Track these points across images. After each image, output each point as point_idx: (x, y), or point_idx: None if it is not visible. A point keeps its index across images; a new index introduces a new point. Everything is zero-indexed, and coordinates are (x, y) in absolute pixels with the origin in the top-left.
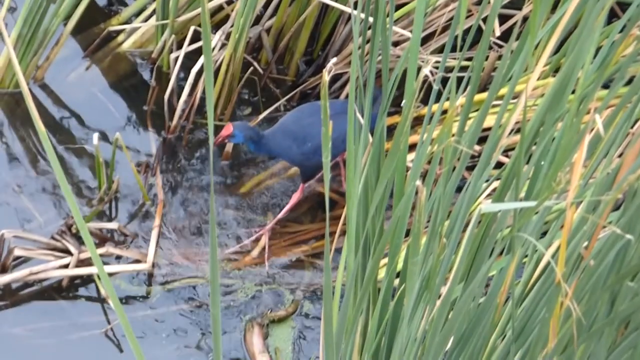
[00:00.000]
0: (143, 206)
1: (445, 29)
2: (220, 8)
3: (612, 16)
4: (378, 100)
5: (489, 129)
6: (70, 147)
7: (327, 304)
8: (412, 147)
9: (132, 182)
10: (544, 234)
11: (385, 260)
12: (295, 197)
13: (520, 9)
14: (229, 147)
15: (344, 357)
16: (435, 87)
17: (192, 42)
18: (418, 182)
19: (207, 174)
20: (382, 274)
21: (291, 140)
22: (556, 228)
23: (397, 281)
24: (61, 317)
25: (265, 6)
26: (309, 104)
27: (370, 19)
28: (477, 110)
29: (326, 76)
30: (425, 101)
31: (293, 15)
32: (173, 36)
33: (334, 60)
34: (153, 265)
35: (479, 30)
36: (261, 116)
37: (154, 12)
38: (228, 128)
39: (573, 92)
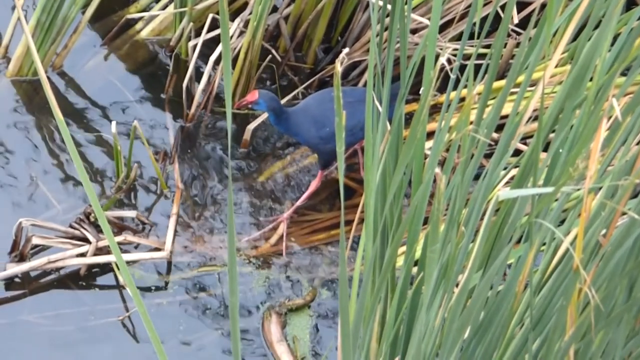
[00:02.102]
0: (161, 194)
1: (463, 16)
2: None
3: (631, 3)
4: (395, 86)
5: (506, 116)
6: (89, 135)
7: (344, 293)
8: (430, 134)
9: (150, 171)
10: (562, 222)
11: (403, 249)
12: (313, 185)
13: None
14: (247, 135)
15: (362, 345)
16: (453, 76)
17: (210, 29)
18: (437, 170)
19: (225, 162)
20: (400, 262)
21: (310, 122)
22: (574, 216)
23: (415, 269)
24: (79, 304)
25: None
26: (332, 88)
27: (389, 7)
28: (495, 98)
29: (339, 67)
30: (443, 89)
31: (311, 2)
32: (191, 24)
33: (346, 50)
34: (171, 253)
35: (497, 18)
36: None
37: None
38: (253, 94)
39: (591, 79)
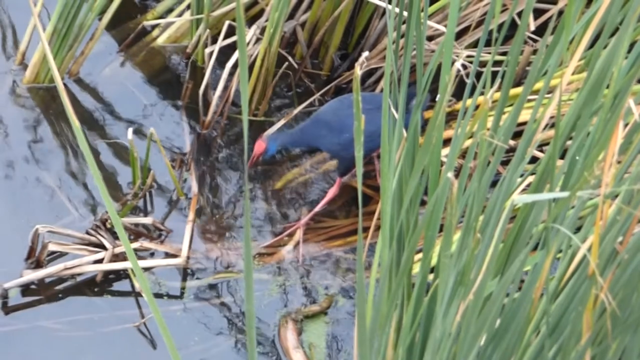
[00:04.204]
0: (177, 201)
1: (479, 23)
2: (254, 2)
3: None
4: (411, 92)
5: (524, 123)
6: (105, 142)
7: (361, 299)
8: (447, 142)
9: (166, 177)
10: (579, 229)
11: (419, 255)
12: (331, 192)
13: (555, 3)
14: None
15: (378, 352)
16: (469, 82)
17: (226, 36)
18: (449, 175)
19: (242, 169)
20: (416, 268)
21: (327, 129)
22: (590, 223)
23: (431, 276)
24: (95, 310)
25: (300, 0)
26: (350, 94)
27: (405, 14)
28: (511, 105)
29: (358, 70)
30: (460, 96)
31: (328, 9)
32: (208, 31)
33: (366, 54)
34: (187, 260)
35: (514, 25)
36: (295, 111)
37: (188, 6)
38: (260, 145)
39: (608, 86)
